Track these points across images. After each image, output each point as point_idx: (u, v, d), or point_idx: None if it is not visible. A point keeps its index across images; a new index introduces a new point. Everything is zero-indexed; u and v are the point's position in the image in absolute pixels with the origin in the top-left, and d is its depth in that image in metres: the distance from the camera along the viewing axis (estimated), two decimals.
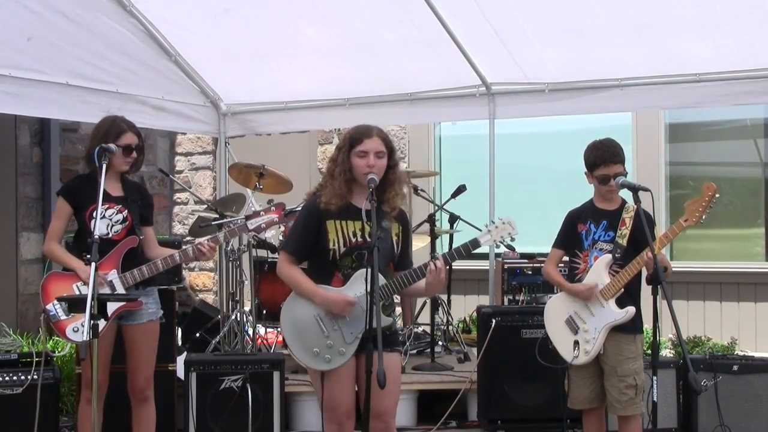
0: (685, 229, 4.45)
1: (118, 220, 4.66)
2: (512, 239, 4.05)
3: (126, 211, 4.67)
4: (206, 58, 6.82)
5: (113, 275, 4.60)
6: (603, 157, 4.58)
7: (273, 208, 4.80)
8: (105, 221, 4.60)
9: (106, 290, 4.55)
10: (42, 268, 7.52)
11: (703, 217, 4.40)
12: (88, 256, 4.18)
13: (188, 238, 8.79)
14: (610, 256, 4.58)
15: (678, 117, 8.31)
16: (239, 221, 5.04)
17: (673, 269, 4.58)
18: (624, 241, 4.55)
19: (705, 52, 5.87)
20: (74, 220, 4.73)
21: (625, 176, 4.57)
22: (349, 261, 4.00)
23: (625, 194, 4.63)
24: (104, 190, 4.54)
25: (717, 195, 4.38)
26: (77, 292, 4.57)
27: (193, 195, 8.47)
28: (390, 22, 6.18)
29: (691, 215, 4.41)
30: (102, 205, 4.49)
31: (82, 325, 4.40)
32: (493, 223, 4.07)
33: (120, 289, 4.59)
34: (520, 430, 5.82)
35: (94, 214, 4.50)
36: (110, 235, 4.63)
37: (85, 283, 4.50)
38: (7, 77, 5.45)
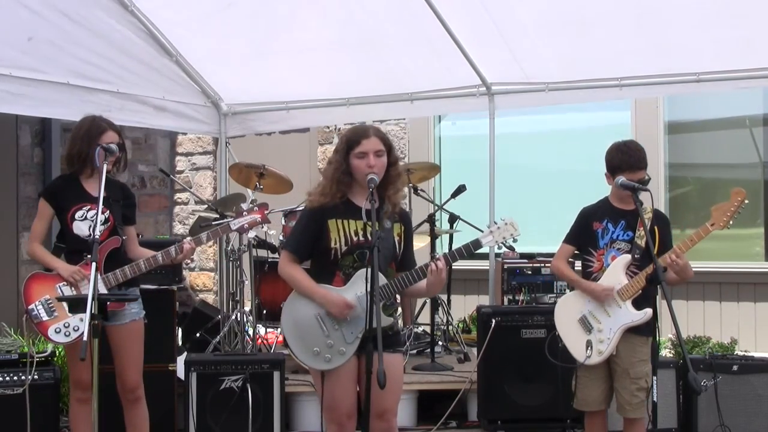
0: (711, 232, 4.42)
1: (100, 221, 4.61)
2: (515, 240, 4.05)
3: (108, 211, 4.60)
4: (207, 58, 6.82)
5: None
6: (628, 162, 4.52)
7: (256, 208, 4.78)
8: (87, 222, 4.57)
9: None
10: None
11: (731, 222, 4.38)
12: (89, 255, 4.18)
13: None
14: (629, 256, 4.54)
15: (678, 116, 8.30)
16: (223, 221, 5.04)
17: None
18: (642, 242, 4.51)
19: (705, 51, 5.87)
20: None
21: (648, 181, 4.52)
22: (351, 260, 3.99)
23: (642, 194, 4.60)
24: (85, 191, 4.57)
25: (746, 201, 4.36)
26: (60, 293, 4.55)
27: (194, 195, 8.46)
28: (390, 22, 6.18)
29: (718, 220, 4.39)
30: (83, 206, 4.51)
31: (65, 326, 4.49)
32: (496, 223, 4.06)
33: (103, 290, 4.52)
34: (520, 430, 5.82)
35: (77, 215, 4.52)
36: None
37: (68, 283, 4.52)
38: (8, 77, 5.45)
